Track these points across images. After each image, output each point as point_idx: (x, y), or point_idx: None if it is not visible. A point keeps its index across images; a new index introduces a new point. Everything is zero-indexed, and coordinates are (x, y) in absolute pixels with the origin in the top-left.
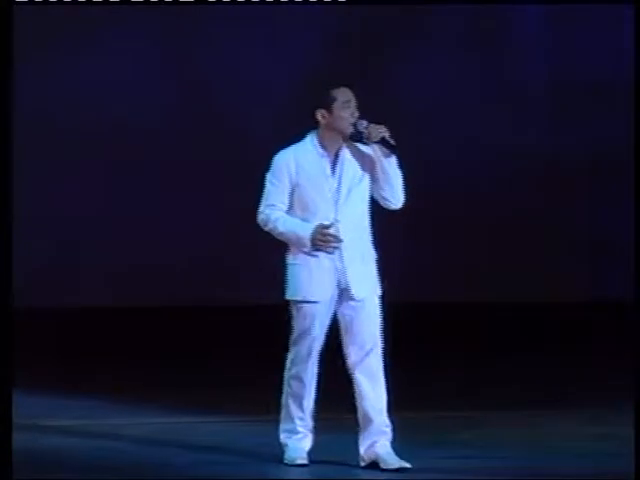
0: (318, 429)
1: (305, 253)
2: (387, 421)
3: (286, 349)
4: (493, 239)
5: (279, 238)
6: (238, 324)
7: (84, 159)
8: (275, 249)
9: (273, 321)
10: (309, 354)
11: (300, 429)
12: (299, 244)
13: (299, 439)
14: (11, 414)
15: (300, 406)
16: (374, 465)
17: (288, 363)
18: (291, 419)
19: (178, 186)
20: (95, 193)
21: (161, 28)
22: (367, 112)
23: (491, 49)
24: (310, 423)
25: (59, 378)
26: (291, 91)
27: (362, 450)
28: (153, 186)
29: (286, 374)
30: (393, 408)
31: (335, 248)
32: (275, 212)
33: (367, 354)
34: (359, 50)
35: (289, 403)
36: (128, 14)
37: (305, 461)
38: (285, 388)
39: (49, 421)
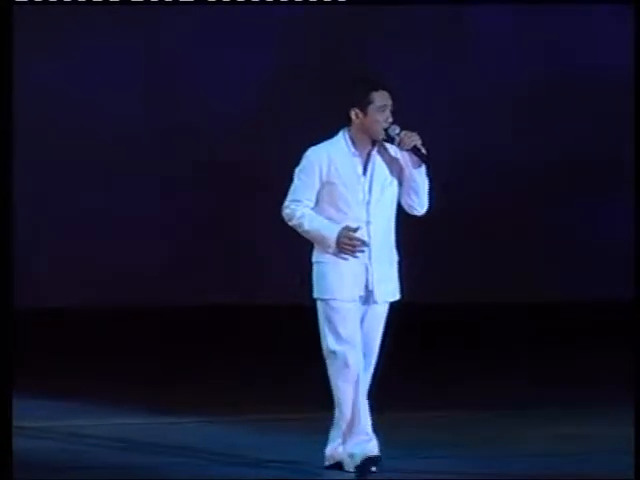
0: (286, 427)
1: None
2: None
3: (258, 350)
4: (474, 240)
5: (303, 235)
6: (214, 324)
7: (78, 160)
8: (267, 249)
9: (252, 322)
10: (356, 351)
11: (364, 435)
12: (324, 244)
13: (366, 442)
14: (11, 415)
15: (358, 409)
16: (339, 465)
17: (331, 369)
18: (353, 425)
19: (158, 186)
20: (89, 192)
21: (136, 31)
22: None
23: (461, 52)
24: (371, 426)
25: (33, 379)
26: (261, 94)
27: (328, 450)
28: (148, 186)
29: (333, 381)
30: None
31: (361, 252)
32: (301, 208)
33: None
34: (329, 52)
35: (345, 409)
36: (102, 16)
37: (373, 467)
38: (336, 395)
39: (19, 422)
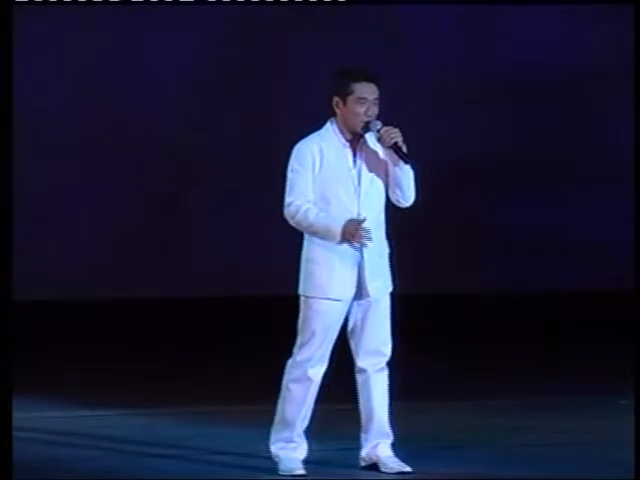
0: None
1: (326, 249)
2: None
3: (198, 346)
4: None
5: (306, 230)
6: (147, 318)
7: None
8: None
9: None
10: (322, 357)
11: (296, 438)
12: (327, 236)
13: (293, 448)
14: (11, 414)
15: (299, 413)
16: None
17: (290, 367)
18: (287, 427)
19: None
20: (78, 189)
21: (67, 27)
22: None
23: (397, 46)
24: (303, 430)
25: None
26: (181, 94)
27: (364, 452)
28: (69, 187)
29: (286, 377)
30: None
31: (369, 239)
32: (305, 203)
33: (376, 355)
34: (252, 50)
35: (287, 410)
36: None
37: (303, 471)
38: (284, 393)
39: None
